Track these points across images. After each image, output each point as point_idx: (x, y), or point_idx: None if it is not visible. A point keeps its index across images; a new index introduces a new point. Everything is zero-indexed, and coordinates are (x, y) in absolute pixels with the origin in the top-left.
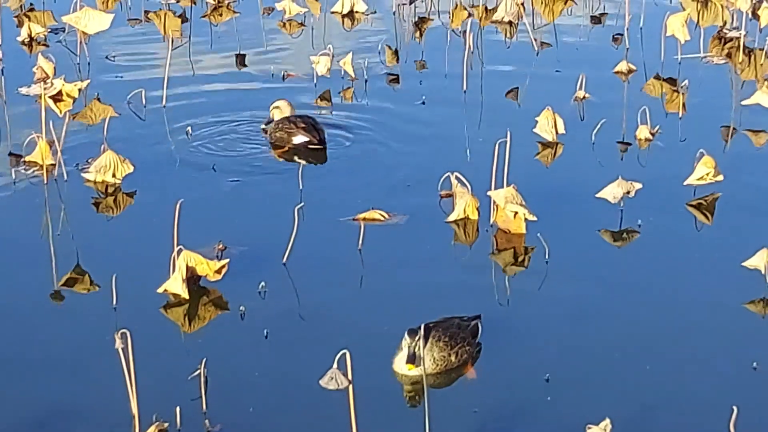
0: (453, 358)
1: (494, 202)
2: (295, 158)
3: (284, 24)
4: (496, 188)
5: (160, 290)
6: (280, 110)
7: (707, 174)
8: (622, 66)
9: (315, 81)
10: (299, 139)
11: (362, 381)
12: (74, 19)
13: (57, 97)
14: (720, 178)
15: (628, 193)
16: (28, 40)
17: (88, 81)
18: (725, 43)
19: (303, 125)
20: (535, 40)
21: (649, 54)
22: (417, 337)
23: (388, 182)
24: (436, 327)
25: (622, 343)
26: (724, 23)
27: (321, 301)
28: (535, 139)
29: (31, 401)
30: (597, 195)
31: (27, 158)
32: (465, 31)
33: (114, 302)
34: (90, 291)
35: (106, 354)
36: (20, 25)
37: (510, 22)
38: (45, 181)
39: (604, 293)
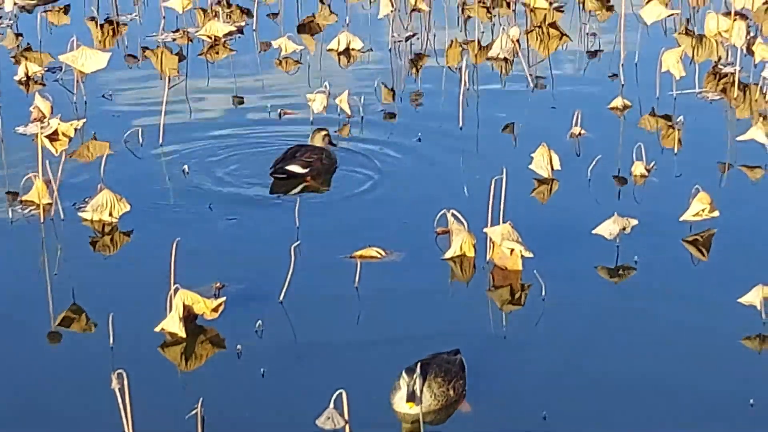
0: (452, 392)
1: (491, 239)
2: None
3: (280, 62)
4: (492, 225)
5: (157, 329)
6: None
7: (703, 210)
8: (618, 102)
9: (311, 118)
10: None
11: (359, 420)
12: (71, 59)
13: (53, 137)
14: (716, 214)
15: (624, 229)
16: (26, 79)
17: (84, 120)
18: (720, 79)
19: (309, 158)
20: (531, 75)
21: (645, 90)
22: (415, 375)
23: (385, 219)
24: (431, 363)
25: (620, 380)
26: (719, 59)
27: (318, 340)
28: (530, 175)
29: None
30: (593, 231)
31: (24, 197)
32: (461, 68)
33: (111, 341)
34: (87, 330)
35: (103, 393)
36: (17, 63)
37: (505, 59)
38: (42, 220)
39: (601, 330)
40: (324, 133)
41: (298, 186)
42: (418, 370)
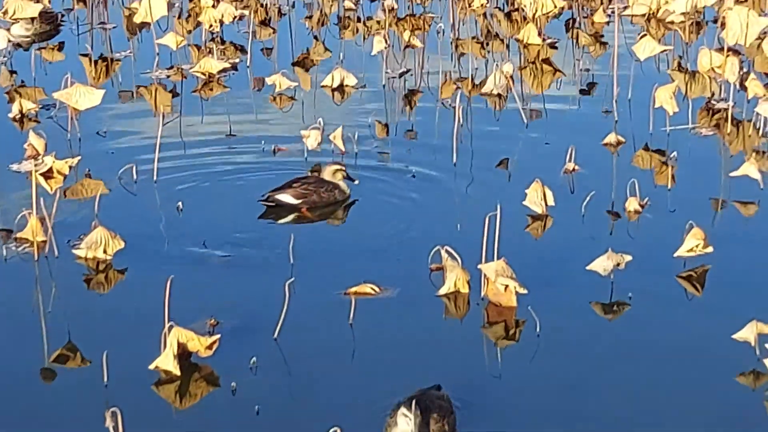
0: (447, 427)
1: (485, 275)
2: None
3: (274, 98)
4: (486, 261)
5: (151, 367)
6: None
7: (697, 246)
8: (611, 138)
9: (305, 155)
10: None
11: None
12: (65, 96)
13: (48, 174)
14: (710, 249)
15: (618, 265)
16: (20, 116)
17: (79, 157)
18: (713, 115)
19: (305, 189)
20: (524, 111)
21: (638, 125)
22: (418, 412)
23: (379, 256)
24: (424, 399)
25: (615, 417)
26: (712, 95)
27: (312, 377)
28: (525, 211)
29: None
30: (587, 267)
31: (18, 234)
32: (454, 104)
33: (105, 379)
34: (81, 367)
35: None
36: (11, 101)
37: (499, 95)
38: (36, 258)
39: (596, 366)
40: (336, 167)
41: (289, 216)
42: (415, 405)
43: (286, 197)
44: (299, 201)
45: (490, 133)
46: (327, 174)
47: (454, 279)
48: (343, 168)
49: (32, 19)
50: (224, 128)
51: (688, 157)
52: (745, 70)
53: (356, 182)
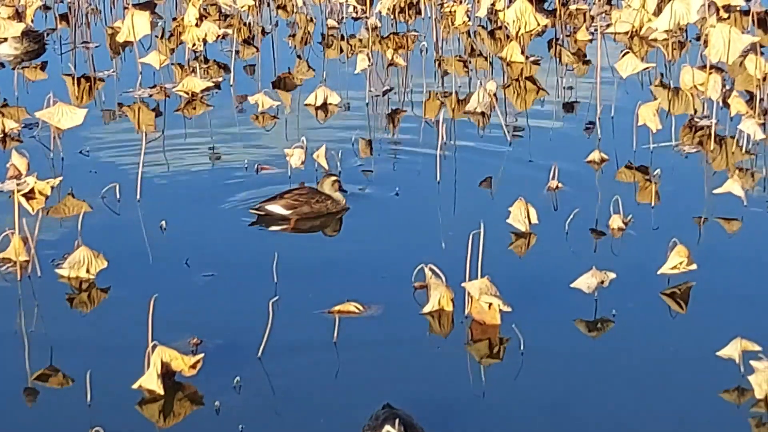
0: None
1: (469, 293)
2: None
3: (257, 117)
4: (470, 279)
5: (135, 386)
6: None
7: (680, 263)
8: (595, 155)
9: (289, 174)
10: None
11: None
12: (47, 115)
13: (30, 195)
14: (693, 267)
15: (603, 282)
16: (2, 135)
17: (61, 178)
18: (696, 132)
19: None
20: (508, 129)
21: (621, 143)
22: (402, 428)
23: (363, 274)
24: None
25: None
26: (695, 112)
27: (296, 395)
28: (508, 229)
29: None
30: (571, 285)
31: (0, 254)
32: (438, 122)
33: (88, 399)
34: (64, 387)
35: None
36: None
37: (482, 113)
38: (19, 278)
39: (580, 384)
40: (333, 179)
41: (279, 226)
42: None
43: (276, 208)
44: (289, 211)
45: (474, 151)
46: (326, 187)
47: (438, 297)
48: (338, 179)
49: (21, 38)
50: (207, 147)
51: (671, 175)
52: (727, 87)
53: (347, 192)
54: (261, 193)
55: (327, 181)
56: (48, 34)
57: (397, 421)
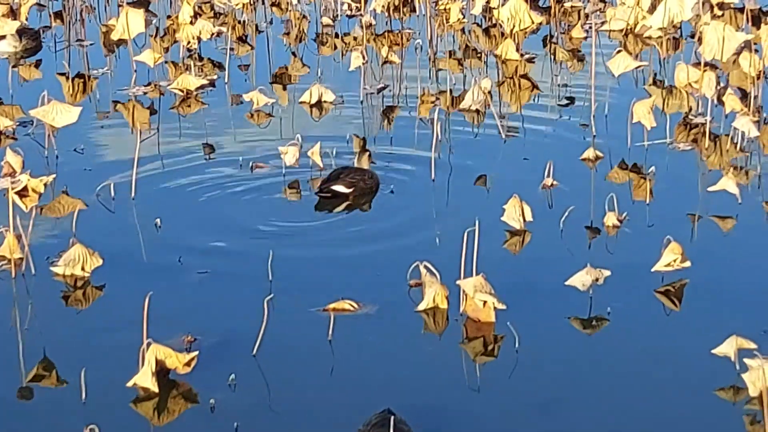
0: None
1: (463, 291)
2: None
3: (252, 114)
4: (465, 277)
5: (129, 384)
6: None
7: (674, 260)
8: (589, 153)
9: (283, 171)
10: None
11: None
12: (42, 113)
13: (23, 193)
14: (687, 264)
15: (597, 280)
16: None
17: (54, 175)
18: (691, 130)
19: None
20: (503, 127)
21: (616, 141)
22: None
23: (358, 272)
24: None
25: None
26: (690, 110)
27: (291, 393)
28: (503, 227)
29: None
30: (566, 283)
31: None
32: (433, 120)
33: (83, 397)
34: (58, 386)
35: None
36: None
37: (477, 110)
38: (13, 276)
39: (575, 381)
40: (368, 153)
41: (342, 205)
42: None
43: (340, 188)
44: (350, 189)
45: (469, 149)
46: (364, 162)
47: (433, 295)
48: (371, 154)
49: (19, 35)
50: (202, 145)
51: (665, 172)
52: (722, 85)
53: (375, 164)
54: (257, 190)
55: (364, 156)
56: (43, 32)
57: (392, 426)
